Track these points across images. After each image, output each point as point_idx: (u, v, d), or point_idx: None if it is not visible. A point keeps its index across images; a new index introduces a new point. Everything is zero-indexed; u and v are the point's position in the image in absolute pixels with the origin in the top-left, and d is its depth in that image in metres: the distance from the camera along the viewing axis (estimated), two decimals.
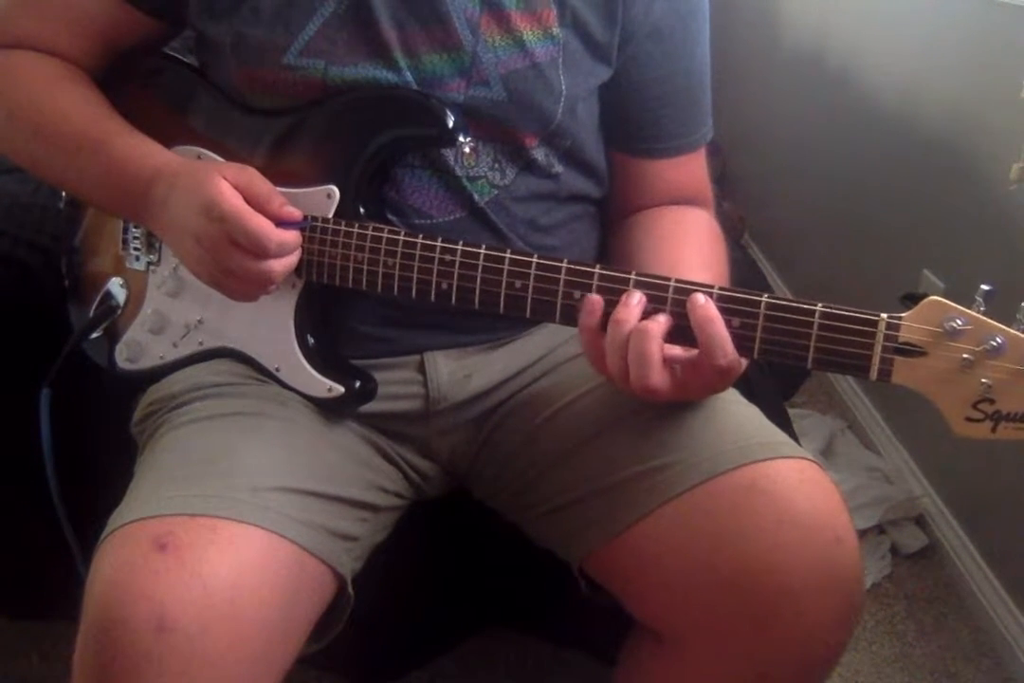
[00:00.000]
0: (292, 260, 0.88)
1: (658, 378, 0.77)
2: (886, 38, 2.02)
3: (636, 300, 0.79)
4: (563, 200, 0.99)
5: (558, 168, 0.97)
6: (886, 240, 1.99)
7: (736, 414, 0.91)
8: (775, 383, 1.29)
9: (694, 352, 0.78)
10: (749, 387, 0.99)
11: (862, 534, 1.75)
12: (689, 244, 0.98)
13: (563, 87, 0.92)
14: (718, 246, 1.00)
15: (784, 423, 1.21)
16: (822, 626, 0.81)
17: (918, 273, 1.78)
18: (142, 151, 0.94)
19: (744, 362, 0.79)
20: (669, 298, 0.78)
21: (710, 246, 0.99)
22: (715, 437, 0.87)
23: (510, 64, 0.90)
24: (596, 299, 0.80)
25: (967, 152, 1.66)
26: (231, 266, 0.87)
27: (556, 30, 0.91)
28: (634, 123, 1.00)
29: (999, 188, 1.46)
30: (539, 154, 0.95)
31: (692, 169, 1.04)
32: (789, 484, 0.83)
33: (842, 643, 0.85)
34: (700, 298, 0.77)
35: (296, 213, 0.88)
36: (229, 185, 0.86)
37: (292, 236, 0.88)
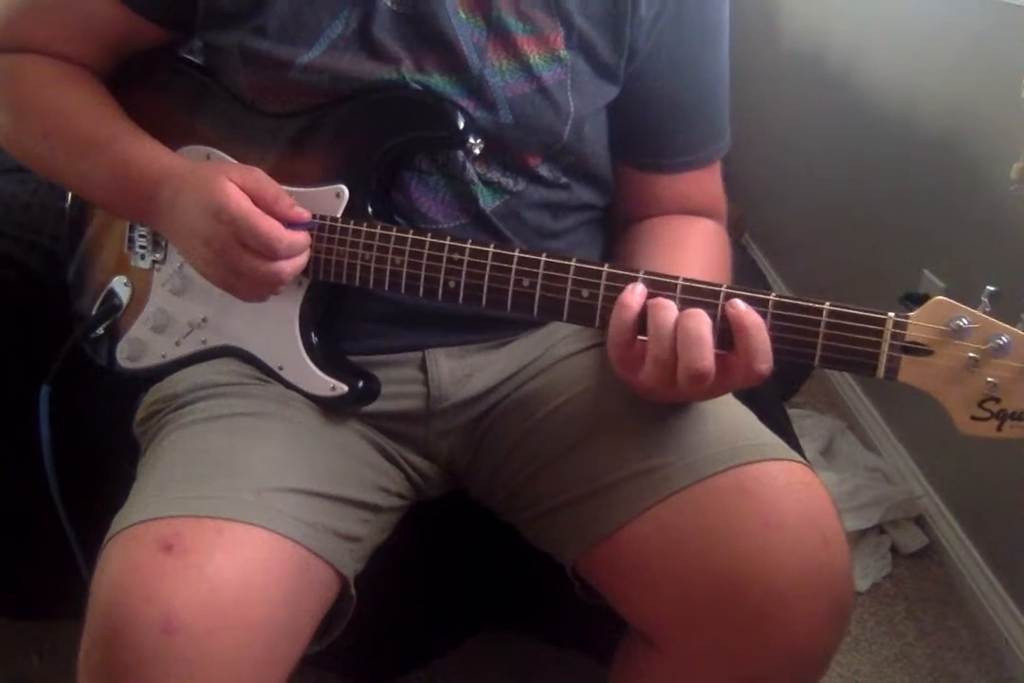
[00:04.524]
0: (301, 261, 0.89)
1: (711, 361, 0.76)
2: (886, 38, 2.02)
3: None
4: (572, 209, 0.99)
5: (565, 180, 0.97)
6: (886, 240, 1.99)
7: (727, 416, 0.91)
8: (775, 384, 1.29)
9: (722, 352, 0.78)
10: (748, 388, 0.99)
11: (862, 534, 1.75)
12: (691, 252, 0.97)
13: (572, 109, 0.92)
14: (721, 256, 1.00)
15: (784, 424, 1.21)
16: (811, 629, 0.81)
17: (918, 273, 1.78)
18: (149, 153, 0.94)
19: None
20: (677, 297, 0.78)
21: (708, 256, 0.98)
22: (705, 439, 0.87)
23: (516, 88, 0.90)
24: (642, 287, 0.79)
25: (967, 152, 1.66)
26: (241, 268, 0.87)
27: (563, 53, 0.91)
28: (641, 138, 0.99)
29: (999, 188, 1.46)
30: (543, 170, 0.95)
31: (702, 184, 1.03)
32: (777, 486, 0.83)
33: (832, 646, 0.84)
34: (741, 304, 0.76)
35: (304, 214, 0.88)
36: (236, 187, 0.86)
37: (301, 237, 0.88)
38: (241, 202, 0.85)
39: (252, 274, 0.87)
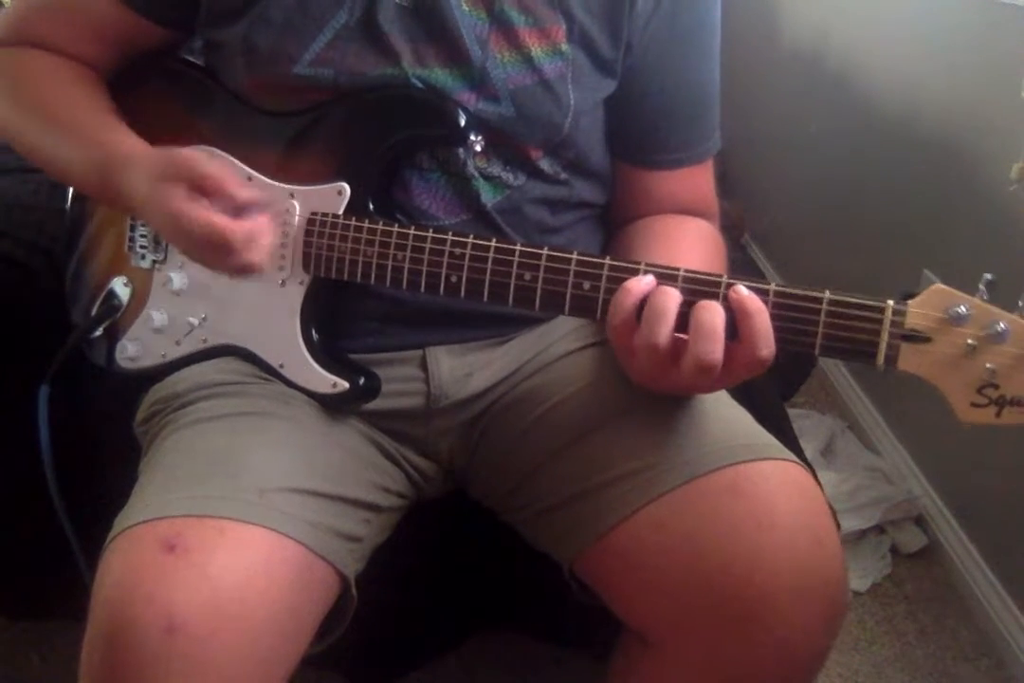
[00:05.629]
0: (265, 221, 0.87)
1: (721, 354, 0.76)
2: (886, 38, 2.02)
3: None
4: (571, 205, 1.00)
5: (565, 176, 0.97)
6: (886, 240, 1.99)
7: (722, 415, 0.91)
8: (775, 384, 1.29)
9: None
10: (747, 387, 0.99)
11: (862, 534, 1.75)
12: (686, 250, 0.97)
13: (572, 101, 0.92)
14: (716, 254, 1.00)
15: (783, 423, 1.21)
16: (803, 630, 0.81)
17: (918, 273, 1.78)
18: (117, 141, 0.95)
19: None
20: (679, 288, 0.78)
21: (702, 254, 0.98)
22: (700, 438, 0.87)
23: (518, 80, 0.91)
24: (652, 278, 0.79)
25: (967, 152, 1.66)
26: (199, 219, 0.84)
27: (564, 46, 0.91)
28: (635, 134, 1.00)
29: (999, 188, 1.46)
30: (544, 164, 0.96)
31: (695, 182, 1.04)
32: (770, 486, 0.83)
33: (825, 647, 0.84)
34: (743, 289, 0.77)
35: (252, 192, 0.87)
36: (182, 149, 0.87)
37: (254, 193, 0.86)
38: (183, 151, 0.86)
39: (209, 228, 0.84)
